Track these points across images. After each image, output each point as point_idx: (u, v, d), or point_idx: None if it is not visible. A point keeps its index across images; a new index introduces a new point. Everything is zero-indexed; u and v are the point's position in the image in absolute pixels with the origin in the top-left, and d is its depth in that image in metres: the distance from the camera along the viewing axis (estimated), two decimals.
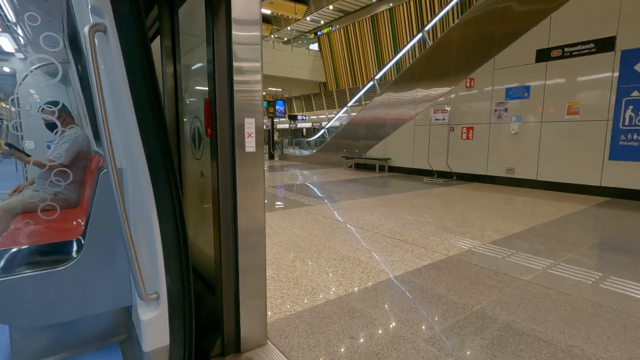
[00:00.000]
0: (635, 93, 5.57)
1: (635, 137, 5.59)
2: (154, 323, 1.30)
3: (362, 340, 1.85)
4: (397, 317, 2.09)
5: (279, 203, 5.68)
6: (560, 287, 2.49)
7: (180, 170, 2.40)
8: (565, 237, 3.74)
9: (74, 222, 2.21)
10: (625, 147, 5.70)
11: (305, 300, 2.29)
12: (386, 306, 2.23)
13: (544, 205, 5.37)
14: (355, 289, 2.47)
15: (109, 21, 1.13)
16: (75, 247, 1.67)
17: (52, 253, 1.72)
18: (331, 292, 2.41)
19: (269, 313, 2.11)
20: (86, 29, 1.08)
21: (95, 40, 1.12)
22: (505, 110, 7.29)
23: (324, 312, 2.13)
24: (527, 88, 6.92)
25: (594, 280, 2.60)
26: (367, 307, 2.20)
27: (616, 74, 5.76)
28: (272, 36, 30.18)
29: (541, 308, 2.18)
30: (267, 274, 2.38)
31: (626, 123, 5.68)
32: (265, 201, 1.81)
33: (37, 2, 2.09)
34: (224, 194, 1.60)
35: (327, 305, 2.23)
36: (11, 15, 2.75)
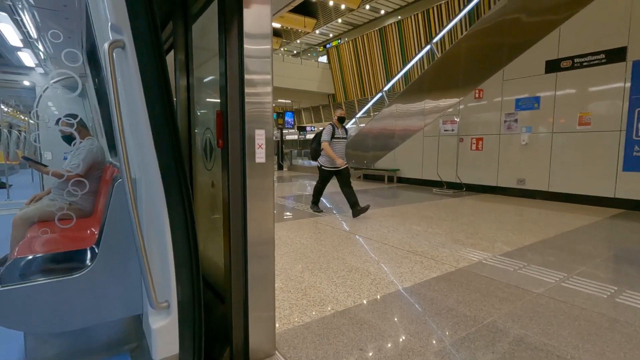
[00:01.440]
0: None
1: None
2: (164, 331, 1.31)
3: (370, 353, 1.83)
4: (407, 329, 2.07)
5: (287, 213, 5.70)
6: (574, 300, 2.43)
7: (192, 181, 2.45)
8: (578, 249, 3.66)
9: (88, 231, 2.26)
10: (639, 157, 5.60)
11: (314, 312, 2.28)
12: (395, 318, 2.21)
13: (556, 217, 5.28)
14: (364, 300, 2.45)
15: (127, 38, 1.18)
16: (89, 256, 1.70)
17: (66, 261, 1.76)
18: (340, 304, 2.39)
19: (277, 324, 2.11)
20: (106, 46, 1.13)
21: (114, 56, 1.17)
22: (515, 121, 7.25)
23: (332, 324, 2.12)
24: (537, 99, 6.88)
25: (609, 294, 2.54)
26: (376, 319, 2.18)
27: (628, 85, 5.70)
28: (282, 49, 30.68)
29: (554, 322, 2.13)
30: (275, 285, 2.39)
31: (639, 134, 5.59)
32: (275, 211, 1.83)
33: (59, 19, 2.19)
34: (234, 204, 1.63)
35: (335, 316, 2.22)
36: (33, 32, 2.87)
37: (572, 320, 2.16)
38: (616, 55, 5.82)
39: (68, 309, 1.45)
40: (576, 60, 6.29)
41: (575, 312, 2.26)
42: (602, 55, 5.98)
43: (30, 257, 1.77)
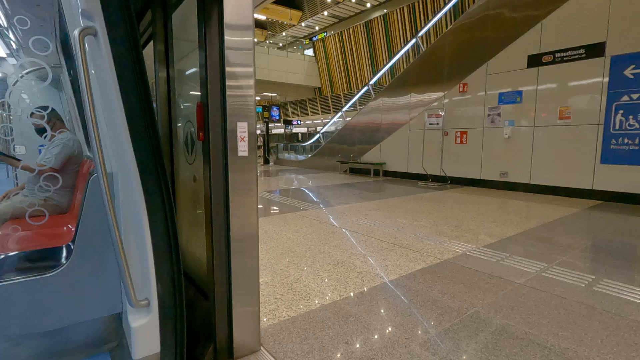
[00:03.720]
0: (625, 98, 5.66)
1: (625, 141, 5.66)
2: (145, 330, 1.28)
3: (357, 346, 1.83)
4: (392, 321, 2.08)
5: (274, 208, 5.66)
6: (554, 290, 2.50)
7: (173, 175, 2.39)
8: (558, 240, 3.76)
9: (64, 228, 2.18)
10: (616, 150, 5.78)
11: (300, 306, 2.27)
12: (381, 310, 2.22)
13: (537, 209, 5.41)
14: (350, 293, 2.46)
15: (99, 25, 1.12)
16: (65, 253, 1.64)
17: (41, 259, 1.70)
18: (326, 297, 2.39)
19: (263, 319, 2.09)
20: (76, 33, 1.07)
21: (86, 44, 1.11)
22: (499, 114, 7.37)
23: (318, 317, 2.12)
24: (520, 93, 7.00)
25: (586, 283, 2.62)
26: (361, 312, 2.19)
27: (606, 79, 5.85)
28: (267, 42, 30.27)
29: (535, 311, 2.18)
30: (261, 279, 2.37)
31: (616, 127, 5.76)
32: (260, 206, 1.80)
33: (29, 6, 2.08)
34: (216, 199, 1.59)
35: (321, 310, 2.21)
36: (2, 20, 2.73)
37: (552, 309, 2.22)
38: (595, 50, 5.95)
39: (43, 309, 1.40)
40: (557, 55, 6.41)
41: (555, 301, 2.32)
42: (582, 51, 6.11)
43: (1, 255, 1.69)
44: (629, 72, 5.59)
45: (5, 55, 3.81)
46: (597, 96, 5.98)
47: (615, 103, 5.75)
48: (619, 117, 5.73)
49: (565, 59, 6.32)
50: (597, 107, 5.97)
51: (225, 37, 1.50)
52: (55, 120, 2.44)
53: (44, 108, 1.48)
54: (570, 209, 5.39)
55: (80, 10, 1.10)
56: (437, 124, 8.42)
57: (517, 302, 2.31)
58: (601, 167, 5.98)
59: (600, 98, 5.93)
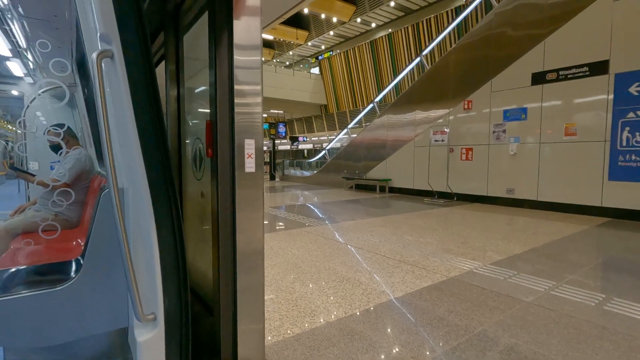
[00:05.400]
0: (630, 115, 5.65)
1: (633, 157, 5.62)
2: (151, 344, 1.28)
3: None
4: (398, 339, 2.06)
5: (279, 224, 5.67)
6: (563, 309, 2.45)
7: (182, 191, 2.43)
8: (567, 258, 3.70)
9: (74, 242, 2.22)
10: (624, 167, 5.73)
11: (305, 323, 2.25)
12: (387, 329, 2.19)
13: (545, 226, 5.35)
14: (356, 311, 2.43)
15: (116, 48, 1.18)
16: (74, 267, 1.67)
17: (50, 273, 1.72)
18: (331, 315, 2.37)
19: (268, 336, 2.07)
20: (94, 55, 1.13)
21: (103, 66, 1.17)
22: (504, 131, 7.38)
23: (323, 335, 2.10)
24: (524, 110, 7.03)
25: (597, 302, 2.57)
26: (367, 330, 2.16)
27: (611, 96, 5.87)
28: (275, 60, 30.95)
29: (544, 330, 2.14)
30: (266, 296, 2.36)
31: (623, 144, 5.73)
32: (266, 222, 1.82)
33: (49, 29, 2.19)
34: (223, 214, 1.62)
35: (326, 327, 2.19)
36: (22, 41, 2.85)
37: (561, 328, 2.17)
38: (599, 68, 6.00)
39: (51, 323, 1.42)
40: (561, 72, 6.46)
41: (565, 320, 2.27)
42: (586, 68, 6.15)
43: (12, 269, 1.73)
44: (633, 89, 5.60)
45: (22, 75, 3.97)
46: (602, 113, 5.98)
47: (621, 120, 5.75)
48: (625, 133, 5.71)
49: (569, 76, 6.36)
50: (603, 124, 5.97)
51: (235, 57, 1.56)
52: (69, 137, 2.52)
53: (60, 126, 1.54)
54: (579, 226, 5.32)
55: (98, 34, 1.16)
56: (443, 140, 8.45)
57: (525, 320, 2.27)
58: (610, 184, 5.92)
59: (606, 115, 5.93)
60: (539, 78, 6.77)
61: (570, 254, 3.87)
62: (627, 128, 5.69)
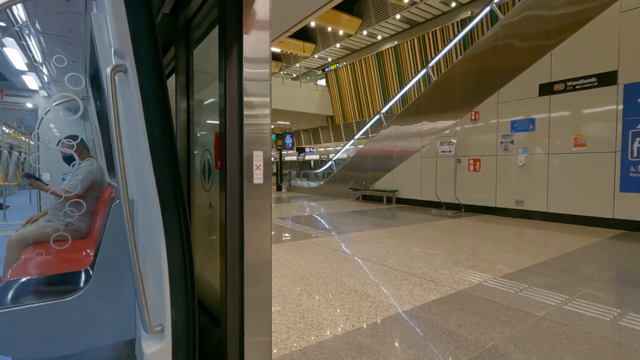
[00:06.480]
0: None
1: None
2: (158, 356, 1.28)
3: None
4: (407, 354, 2.02)
5: (286, 235, 5.66)
6: (577, 324, 2.39)
7: (190, 202, 2.45)
8: (579, 271, 3.62)
9: (83, 253, 2.24)
10: (636, 179, 5.64)
11: (312, 336, 2.23)
12: (395, 343, 2.15)
13: (556, 238, 5.25)
14: (363, 324, 2.40)
15: (129, 63, 1.21)
16: (83, 278, 1.68)
17: (60, 283, 1.73)
18: (338, 328, 2.34)
19: (274, 349, 2.05)
20: (108, 70, 1.16)
21: (116, 80, 1.20)
22: (512, 142, 7.34)
23: (330, 348, 2.07)
24: (532, 121, 7.00)
25: (612, 317, 2.50)
26: (375, 343, 2.13)
27: (620, 107, 5.82)
28: (282, 72, 31.35)
29: (557, 346, 2.09)
30: (272, 308, 2.34)
31: (634, 155, 5.65)
32: (272, 233, 1.82)
33: (64, 44, 2.25)
34: (231, 226, 1.62)
35: (333, 341, 2.16)
36: (38, 56, 2.94)
37: (575, 344, 2.11)
38: (607, 78, 5.96)
39: (59, 333, 1.42)
40: (569, 83, 6.44)
41: (579, 336, 2.21)
42: (594, 79, 6.12)
43: (23, 279, 1.74)
44: None
45: (37, 88, 4.08)
46: (612, 124, 5.92)
47: (632, 130, 5.68)
48: (636, 144, 5.63)
49: (577, 87, 6.33)
50: (613, 134, 5.90)
51: (244, 70, 1.58)
52: (82, 148, 2.57)
53: (74, 137, 1.57)
54: (591, 238, 5.22)
55: (113, 50, 1.20)
56: (450, 151, 8.42)
57: (537, 336, 2.22)
58: (621, 195, 5.82)
59: (616, 126, 5.87)
60: (546, 89, 6.75)
61: (582, 267, 3.78)
62: (638, 139, 5.61)
